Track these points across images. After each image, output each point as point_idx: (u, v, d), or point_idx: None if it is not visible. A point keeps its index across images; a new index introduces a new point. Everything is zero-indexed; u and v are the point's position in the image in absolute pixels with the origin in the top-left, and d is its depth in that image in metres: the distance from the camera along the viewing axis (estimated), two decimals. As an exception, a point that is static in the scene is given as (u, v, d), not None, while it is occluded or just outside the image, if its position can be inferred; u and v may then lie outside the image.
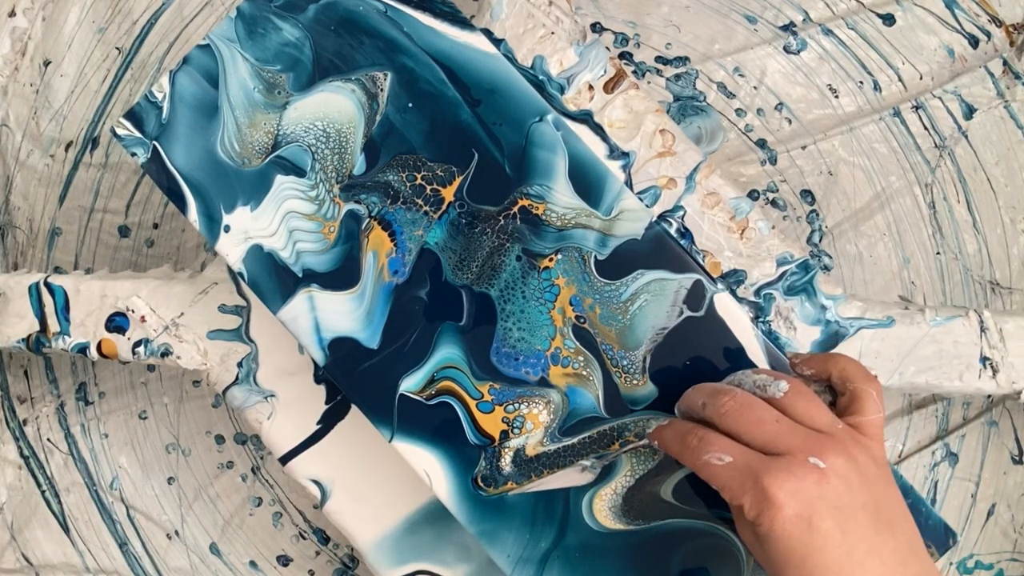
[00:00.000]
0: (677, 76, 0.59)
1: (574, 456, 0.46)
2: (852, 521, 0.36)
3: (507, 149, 0.46)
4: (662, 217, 0.49)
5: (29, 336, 0.52)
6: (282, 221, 0.47)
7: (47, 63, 0.63)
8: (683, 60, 0.59)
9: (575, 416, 0.46)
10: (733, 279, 0.49)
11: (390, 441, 0.46)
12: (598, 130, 0.49)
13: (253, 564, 0.61)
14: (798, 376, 0.44)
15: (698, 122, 0.59)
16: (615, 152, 0.49)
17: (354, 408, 0.50)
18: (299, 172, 0.47)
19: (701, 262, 0.48)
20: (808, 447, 0.37)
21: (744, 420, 0.38)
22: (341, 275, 0.46)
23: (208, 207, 0.47)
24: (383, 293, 0.46)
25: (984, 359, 0.49)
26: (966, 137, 0.58)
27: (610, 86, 0.49)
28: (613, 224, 0.46)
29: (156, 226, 0.63)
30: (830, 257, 0.59)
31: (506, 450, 0.46)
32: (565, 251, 0.46)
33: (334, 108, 0.47)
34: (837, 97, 0.59)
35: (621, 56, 0.60)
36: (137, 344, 0.51)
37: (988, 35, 0.58)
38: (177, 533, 0.62)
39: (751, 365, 0.46)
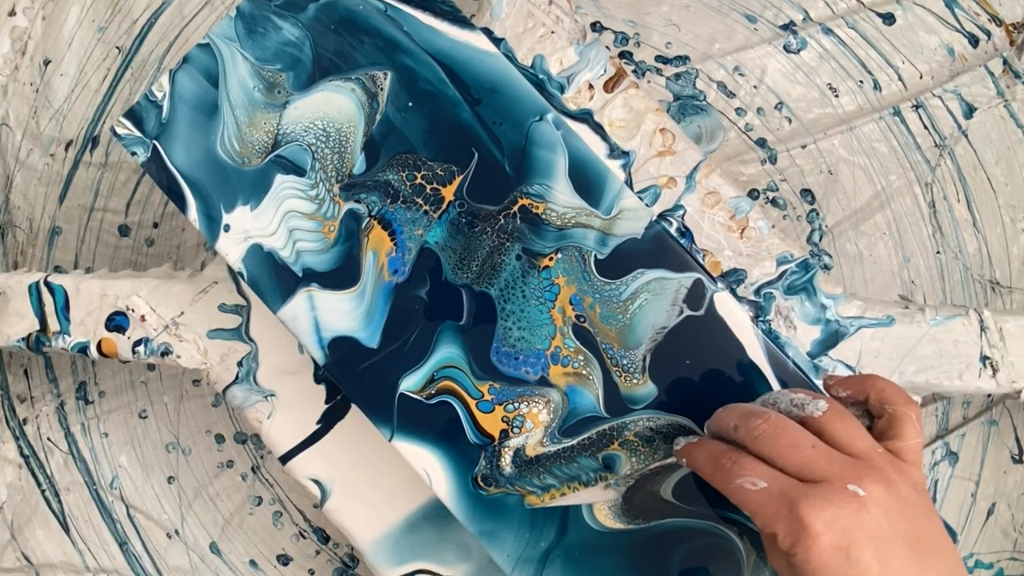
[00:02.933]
0: (677, 75, 0.59)
1: (574, 456, 0.46)
2: (892, 552, 0.35)
3: (507, 148, 0.46)
4: (662, 216, 0.49)
5: (29, 335, 0.52)
6: (282, 220, 0.47)
7: (47, 62, 0.63)
8: (683, 59, 0.59)
9: (575, 415, 0.46)
10: (733, 278, 0.49)
11: (390, 440, 0.46)
12: (598, 129, 0.49)
13: (253, 563, 0.61)
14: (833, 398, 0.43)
15: (698, 121, 0.59)
16: (615, 151, 0.49)
17: (354, 407, 0.50)
18: (299, 171, 0.47)
19: (701, 261, 0.48)
20: (846, 474, 0.35)
21: (778, 444, 0.37)
22: (341, 274, 0.46)
23: (208, 206, 0.47)
24: (383, 292, 0.46)
25: (984, 358, 0.49)
26: (966, 136, 0.58)
27: (610, 85, 0.49)
28: (613, 223, 0.46)
29: (156, 225, 0.63)
30: (830, 256, 0.59)
31: (506, 449, 0.46)
32: (565, 250, 0.46)
33: (334, 107, 0.47)
34: (837, 96, 0.59)
35: (621, 55, 0.60)
36: (137, 343, 0.51)
37: (988, 34, 0.58)
38: (177, 532, 0.62)
39: (751, 364, 0.46)
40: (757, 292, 0.49)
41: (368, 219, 0.46)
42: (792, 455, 0.36)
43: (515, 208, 0.46)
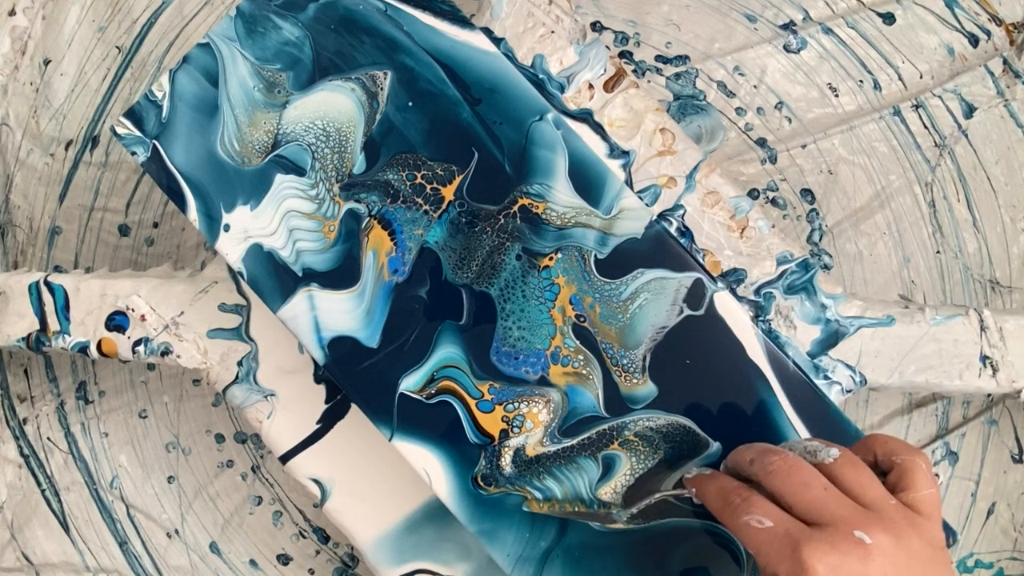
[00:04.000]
0: (677, 75, 0.59)
1: (574, 456, 0.46)
2: None
3: (507, 148, 0.46)
4: (662, 216, 0.49)
5: (29, 335, 0.52)
6: (282, 220, 0.47)
7: (47, 62, 0.63)
8: (683, 59, 0.59)
9: (575, 415, 0.46)
10: (733, 278, 0.49)
11: (390, 440, 0.46)
12: (598, 129, 0.49)
13: (253, 563, 0.61)
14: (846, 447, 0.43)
15: (698, 121, 0.59)
16: (615, 151, 0.49)
17: (354, 407, 0.50)
18: (299, 171, 0.47)
19: (701, 261, 0.48)
20: (854, 520, 0.35)
21: (791, 481, 0.37)
22: (341, 274, 0.46)
23: (208, 206, 0.47)
24: (383, 292, 0.46)
25: (984, 358, 0.49)
26: (966, 136, 0.58)
27: (610, 85, 0.49)
28: (613, 223, 0.46)
29: (156, 225, 0.63)
30: (830, 256, 0.59)
31: (506, 449, 0.46)
32: (565, 250, 0.46)
33: (334, 107, 0.47)
34: (837, 96, 0.59)
35: (621, 55, 0.60)
36: (137, 343, 0.51)
37: (988, 34, 0.58)
38: (177, 532, 0.62)
39: (751, 364, 0.46)
40: (757, 292, 0.49)
41: (368, 219, 0.46)
42: (802, 493, 0.36)
43: (515, 208, 0.46)
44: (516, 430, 0.46)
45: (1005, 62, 0.58)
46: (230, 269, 0.51)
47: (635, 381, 0.46)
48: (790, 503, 0.36)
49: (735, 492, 0.38)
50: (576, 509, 0.45)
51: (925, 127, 0.58)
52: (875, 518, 0.35)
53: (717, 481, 0.40)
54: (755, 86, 0.59)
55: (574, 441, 0.46)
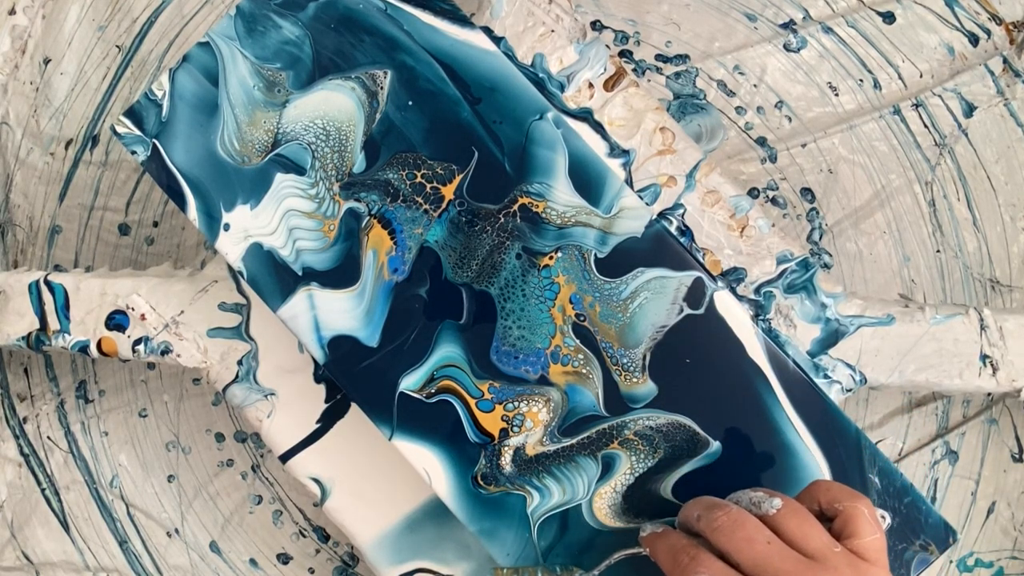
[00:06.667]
0: (677, 74, 0.59)
1: (573, 455, 0.46)
2: None
3: (507, 147, 0.46)
4: (662, 215, 0.49)
5: (29, 334, 0.52)
6: (282, 219, 0.47)
7: (47, 61, 0.63)
8: (683, 58, 0.59)
9: (575, 414, 0.46)
10: (733, 277, 0.49)
11: (390, 439, 0.46)
12: (598, 128, 0.49)
13: (253, 562, 0.61)
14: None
15: (698, 120, 0.59)
16: (615, 150, 0.49)
17: (354, 406, 0.50)
18: (299, 170, 0.47)
19: (701, 260, 0.48)
20: (797, 573, 0.35)
21: (735, 537, 0.37)
22: (341, 273, 0.46)
23: (208, 205, 0.47)
24: (383, 291, 0.46)
25: (984, 357, 0.49)
26: (966, 135, 0.58)
27: (610, 84, 0.49)
28: (613, 222, 0.46)
29: (156, 224, 0.63)
30: (830, 255, 0.59)
31: (506, 448, 0.46)
32: (565, 249, 0.46)
33: (334, 106, 0.47)
34: (837, 95, 0.59)
35: (621, 54, 0.60)
36: (137, 342, 0.51)
37: (988, 33, 0.58)
38: (177, 531, 0.62)
39: (751, 363, 0.46)
40: (757, 291, 0.49)
41: (368, 218, 0.46)
42: (747, 550, 0.36)
43: (515, 207, 0.46)
44: (516, 429, 0.46)
45: (1005, 61, 0.58)
46: (230, 268, 0.51)
47: (635, 380, 0.46)
48: (737, 560, 0.37)
49: (683, 551, 0.38)
50: (540, 574, 0.45)
51: (925, 126, 0.58)
52: (818, 569, 0.35)
53: (667, 539, 0.40)
54: (755, 85, 0.59)
55: (574, 440, 0.46)
